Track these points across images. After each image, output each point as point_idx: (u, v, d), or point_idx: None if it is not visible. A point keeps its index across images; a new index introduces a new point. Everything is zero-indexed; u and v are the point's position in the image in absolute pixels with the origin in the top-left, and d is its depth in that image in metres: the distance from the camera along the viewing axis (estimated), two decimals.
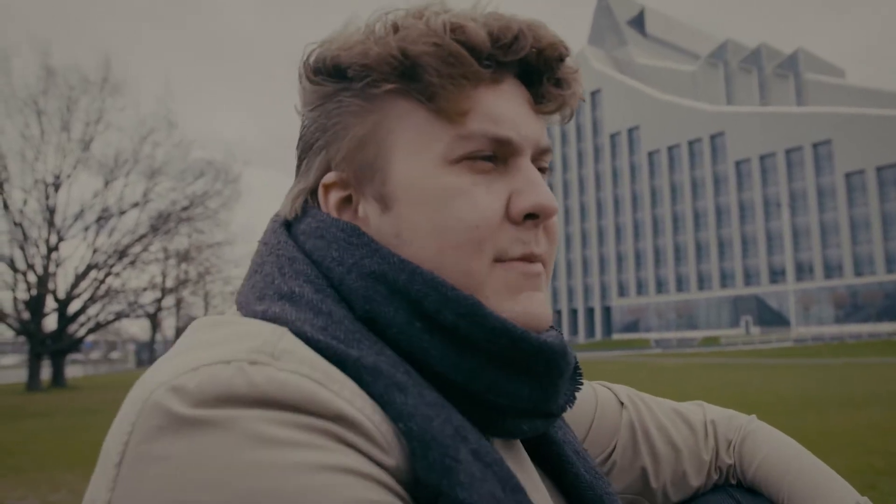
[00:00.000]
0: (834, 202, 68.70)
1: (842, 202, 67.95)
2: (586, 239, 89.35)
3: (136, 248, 28.89)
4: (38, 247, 26.85)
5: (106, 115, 28.62)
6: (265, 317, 0.60)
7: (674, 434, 0.97)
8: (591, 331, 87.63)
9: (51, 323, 28.12)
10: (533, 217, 0.66)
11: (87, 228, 28.00)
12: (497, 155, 0.65)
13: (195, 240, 31.72)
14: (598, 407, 0.97)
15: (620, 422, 0.97)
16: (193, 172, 30.42)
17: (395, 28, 0.65)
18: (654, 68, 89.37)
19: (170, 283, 32.19)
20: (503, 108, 0.65)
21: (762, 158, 73.79)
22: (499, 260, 0.64)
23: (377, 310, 0.61)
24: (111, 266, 28.18)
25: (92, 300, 28.26)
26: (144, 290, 30.17)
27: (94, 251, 27.94)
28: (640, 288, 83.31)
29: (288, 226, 0.72)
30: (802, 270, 70.28)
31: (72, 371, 42.38)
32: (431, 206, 0.64)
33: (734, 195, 75.78)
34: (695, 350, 48.64)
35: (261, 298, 0.63)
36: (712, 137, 77.64)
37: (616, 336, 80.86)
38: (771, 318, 69.20)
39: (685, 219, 79.99)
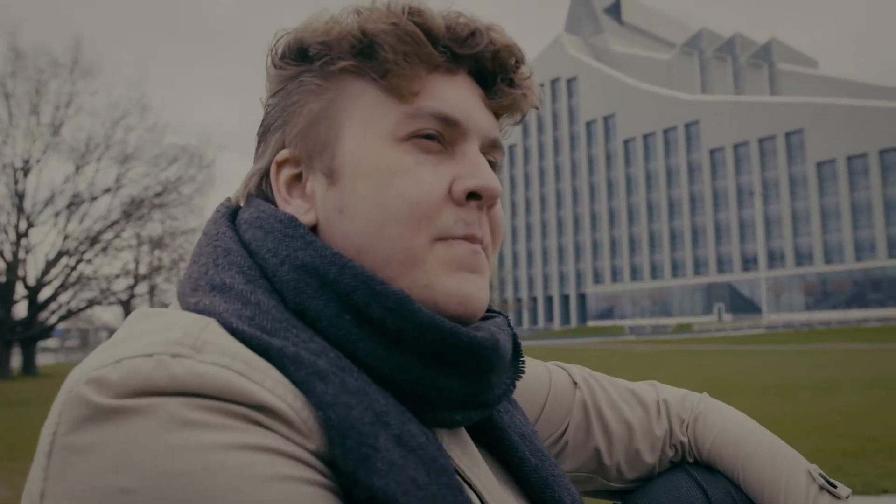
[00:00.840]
0: (805, 191, 69.68)
1: (813, 191, 68.93)
2: (562, 227, 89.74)
3: (109, 235, 28.52)
4: (6, 233, 26.37)
5: (77, 98, 28.16)
6: (196, 308, 0.61)
7: (627, 412, 0.98)
8: (566, 318, 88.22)
9: (21, 310, 27.72)
10: (476, 198, 0.67)
11: (57, 214, 27.54)
12: (445, 137, 0.67)
13: (168, 226, 31.38)
14: (551, 388, 0.98)
15: (574, 401, 0.98)
16: (167, 157, 30.05)
17: (359, 12, 0.68)
18: (630, 56, 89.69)
19: (143, 270, 31.84)
20: (454, 94, 0.67)
21: (736, 147, 74.56)
22: (440, 238, 0.65)
23: (307, 302, 0.62)
24: (83, 253, 27.77)
25: (63, 287, 27.86)
26: (117, 277, 29.80)
27: (65, 237, 27.52)
28: (615, 275, 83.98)
29: (233, 216, 0.73)
30: (774, 258, 71.31)
31: (43, 359, 41.82)
32: (375, 181, 0.65)
33: (708, 183, 76.52)
34: (668, 337, 49.24)
35: (194, 290, 0.64)
36: (687, 126, 78.24)
37: (591, 323, 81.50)
38: (743, 305, 70.21)
39: (660, 207, 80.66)
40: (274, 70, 0.72)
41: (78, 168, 27.91)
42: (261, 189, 0.73)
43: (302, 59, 0.70)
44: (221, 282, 0.63)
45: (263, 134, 0.74)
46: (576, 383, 1.00)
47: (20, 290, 27.11)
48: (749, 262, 72.98)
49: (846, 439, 7.15)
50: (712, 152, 76.30)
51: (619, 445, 0.97)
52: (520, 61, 0.71)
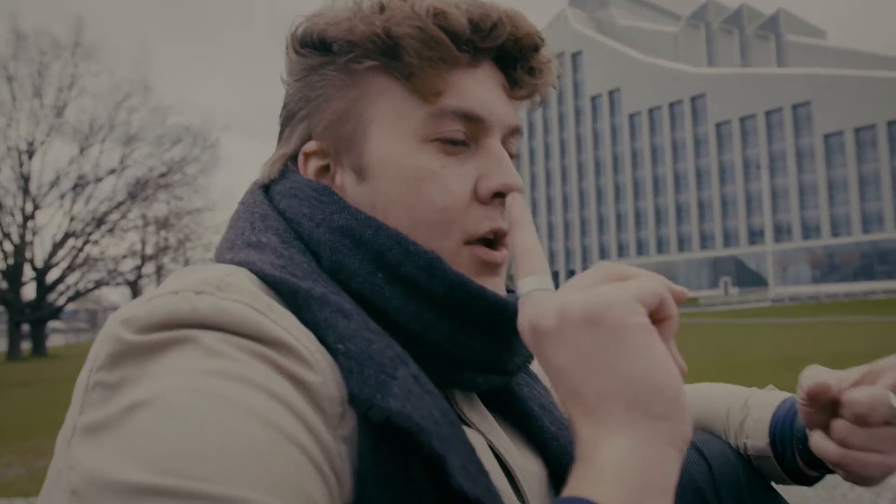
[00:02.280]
0: (812, 163, 69.23)
1: (820, 163, 68.50)
2: (567, 202, 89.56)
3: (114, 216, 28.59)
4: (13, 215, 26.48)
5: (79, 80, 28.02)
6: (231, 262, 0.64)
7: None
8: None
9: (29, 292, 27.90)
10: (500, 196, 0.69)
11: (63, 196, 27.61)
12: (468, 133, 0.69)
13: (174, 206, 31.40)
14: None
15: None
16: (171, 138, 30.02)
17: (382, 8, 0.68)
18: (635, 29, 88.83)
19: (149, 251, 31.91)
20: (476, 89, 0.69)
21: (742, 120, 74.00)
22: (467, 242, 0.68)
23: (342, 261, 0.65)
24: (89, 234, 27.87)
25: (70, 268, 28.00)
26: (124, 257, 29.88)
27: (72, 219, 27.60)
28: (622, 250, 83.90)
29: (266, 189, 0.76)
30: (781, 231, 71.07)
31: (53, 340, 42.16)
32: (404, 184, 0.67)
33: (714, 157, 76.10)
34: None
35: (230, 248, 0.67)
36: (693, 99, 77.63)
37: None
38: (749, 278, 70.11)
39: (666, 181, 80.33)
40: (295, 56, 0.73)
41: (82, 150, 27.93)
42: (285, 171, 0.75)
43: (324, 50, 0.71)
44: (257, 240, 0.66)
45: (288, 119, 0.75)
46: None
47: (28, 272, 27.30)
48: (755, 236, 72.74)
49: None
50: (718, 125, 75.77)
51: None
52: (539, 47, 0.72)
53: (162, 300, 0.56)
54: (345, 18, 0.69)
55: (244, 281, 0.59)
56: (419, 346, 0.63)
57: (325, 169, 0.73)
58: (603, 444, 0.48)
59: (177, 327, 0.54)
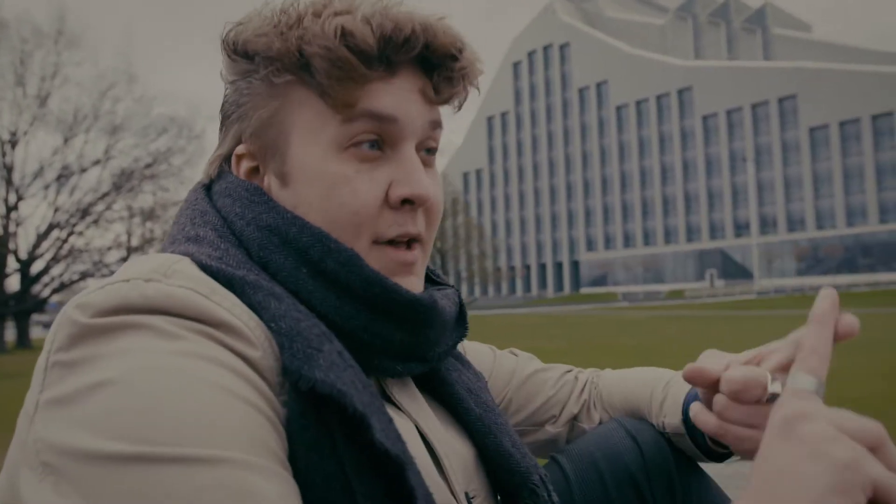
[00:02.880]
0: (798, 157, 69.67)
1: (805, 157, 68.94)
2: (555, 194, 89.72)
3: (99, 207, 28.35)
4: None
5: (62, 69, 27.69)
6: (173, 253, 0.69)
7: (552, 375, 1.17)
8: (559, 285, 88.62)
9: (14, 284, 27.67)
10: (409, 202, 0.74)
11: (47, 187, 27.36)
12: (383, 139, 0.73)
13: (160, 198, 31.15)
14: (496, 359, 1.16)
15: (515, 369, 1.15)
16: (156, 128, 29.77)
17: (299, 22, 0.72)
18: (622, 21, 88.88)
19: (135, 242, 31.70)
20: (389, 96, 0.72)
21: (729, 113, 74.31)
22: (376, 242, 0.73)
23: (270, 256, 0.71)
24: (73, 225, 27.65)
25: (55, 260, 27.77)
26: (109, 249, 29.65)
27: (56, 210, 27.38)
28: (608, 242, 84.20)
29: (208, 188, 0.81)
30: (766, 224, 71.53)
31: (37, 332, 41.87)
32: (320, 189, 0.72)
33: (701, 150, 76.43)
34: (660, 303, 49.53)
35: (173, 242, 0.73)
36: (680, 92, 77.87)
37: (584, 290, 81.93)
38: (735, 271, 70.58)
39: (653, 174, 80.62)
40: (228, 60, 0.77)
41: (66, 140, 27.67)
42: (222, 172, 0.81)
43: (250, 59, 0.75)
44: (196, 234, 0.72)
45: (224, 119, 0.80)
46: (515, 355, 1.19)
47: (12, 263, 27.06)
48: (741, 229, 73.20)
49: (829, 401, 7.32)
50: (705, 118, 76.07)
51: (549, 403, 1.14)
52: (458, 54, 0.75)
53: (114, 287, 0.60)
54: (264, 33, 0.72)
55: (189, 268, 0.64)
56: (340, 334, 0.69)
57: (255, 170, 0.78)
58: None
59: (128, 312, 0.59)
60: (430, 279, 0.85)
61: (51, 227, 27.23)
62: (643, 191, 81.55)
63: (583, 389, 1.15)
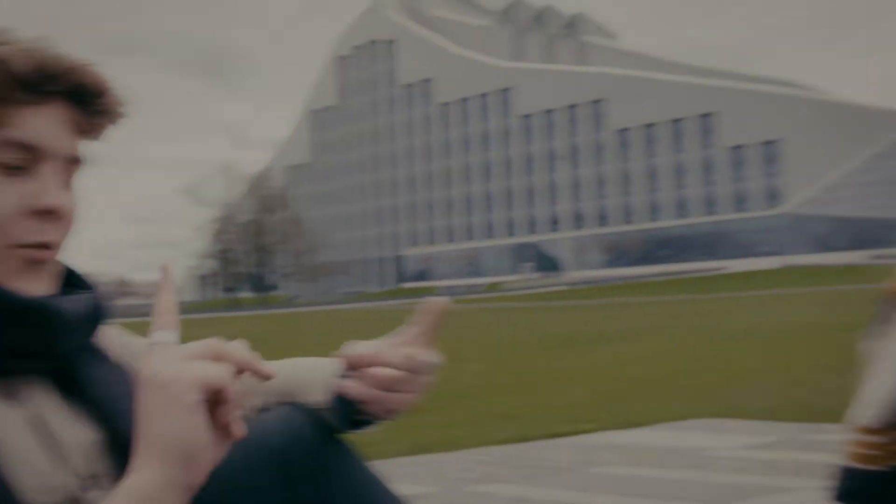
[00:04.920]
0: (606, 156, 74.34)
1: (612, 156, 73.72)
2: (379, 189, 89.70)
3: None
4: None
5: None
6: None
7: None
8: (382, 279, 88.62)
9: None
10: (49, 213, 0.80)
11: None
12: (28, 160, 0.79)
13: None
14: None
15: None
16: None
17: None
18: (446, 21, 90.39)
19: None
20: (37, 123, 0.79)
21: (546, 113, 77.81)
22: (12, 246, 0.78)
23: None
24: None
25: None
26: None
27: None
28: (431, 237, 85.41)
29: None
30: (578, 219, 75.73)
31: None
32: None
33: (520, 148, 79.45)
34: (480, 296, 50.79)
35: None
36: (501, 92, 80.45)
37: (407, 285, 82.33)
38: (548, 263, 73.93)
39: (474, 170, 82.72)
40: None
41: None
42: None
43: None
44: None
45: None
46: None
47: None
48: (556, 223, 76.96)
49: (617, 382, 7.36)
50: (525, 118, 79.17)
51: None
52: (103, 94, 0.84)
53: None
54: None
55: None
56: None
57: None
58: (133, 473, 0.65)
59: None
60: (74, 283, 0.90)
61: None
62: (466, 186, 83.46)
63: None
